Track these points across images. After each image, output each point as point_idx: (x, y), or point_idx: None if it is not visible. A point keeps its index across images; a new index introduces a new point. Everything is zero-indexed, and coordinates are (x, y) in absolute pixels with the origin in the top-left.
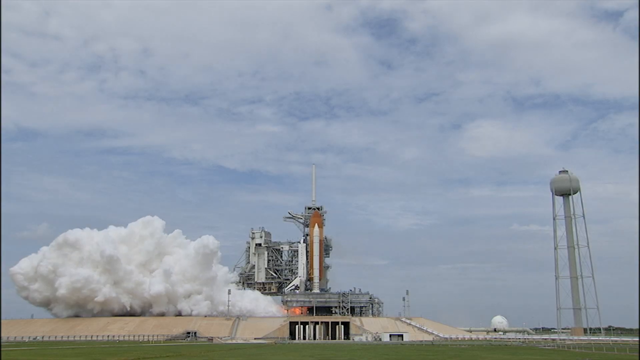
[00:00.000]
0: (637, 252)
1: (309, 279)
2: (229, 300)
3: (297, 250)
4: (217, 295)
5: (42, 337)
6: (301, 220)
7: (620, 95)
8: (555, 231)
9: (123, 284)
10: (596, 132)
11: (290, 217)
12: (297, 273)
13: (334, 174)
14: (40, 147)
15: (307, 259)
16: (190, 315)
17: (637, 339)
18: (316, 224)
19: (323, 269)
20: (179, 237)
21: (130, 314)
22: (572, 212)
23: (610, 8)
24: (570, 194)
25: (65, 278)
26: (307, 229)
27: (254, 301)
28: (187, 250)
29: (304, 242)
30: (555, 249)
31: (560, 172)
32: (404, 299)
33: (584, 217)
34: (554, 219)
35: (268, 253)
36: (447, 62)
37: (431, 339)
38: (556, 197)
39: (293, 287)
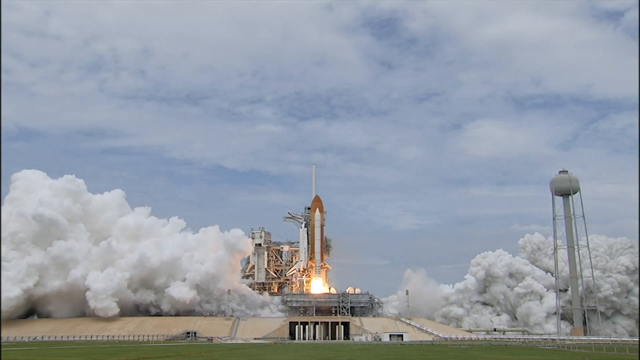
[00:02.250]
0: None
1: (310, 265)
2: (228, 300)
3: (297, 251)
4: (248, 297)
5: (42, 337)
6: (301, 220)
7: (621, 95)
8: (555, 231)
9: (153, 286)
10: (596, 132)
11: (290, 217)
12: (297, 274)
13: (334, 174)
14: (40, 147)
15: (308, 243)
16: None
17: (637, 339)
18: (317, 209)
19: (324, 252)
20: (205, 236)
21: (157, 314)
22: (572, 212)
23: (611, 8)
24: (570, 194)
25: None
26: (307, 229)
27: None
28: (215, 249)
29: (304, 227)
30: (555, 248)
31: (560, 172)
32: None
33: (583, 217)
34: (553, 219)
35: (268, 253)
36: (448, 62)
37: (431, 339)
38: (556, 197)
39: (295, 270)
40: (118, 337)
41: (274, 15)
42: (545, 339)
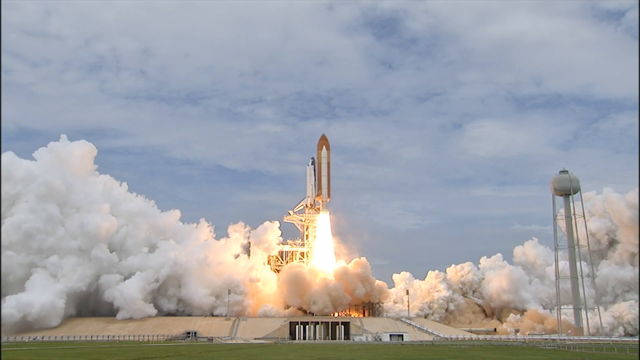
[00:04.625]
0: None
1: (317, 200)
2: (228, 300)
3: (298, 251)
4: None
5: (42, 337)
6: (301, 220)
7: (621, 95)
8: (555, 231)
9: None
10: (597, 132)
11: (290, 217)
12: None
13: (335, 174)
14: (40, 148)
15: (315, 179)
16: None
17: (637, 339)
18: (324, 146)
19: (330, 190)
20: (232, 237)
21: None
22: (572, 212)
23: (612, 8)
24: (570, 194)
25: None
26: (307, 231)
27: None
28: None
29: (312, 165)
30: (555, 249)
31: (560, 172)
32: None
33: (584, 217)
34: (554, 219)
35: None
36: (448, 62)
37: (431, 339)
38: (556, 197)
39: (302, 207)
40: (118, 337)
41: (274, 15)
42: (545, 339)
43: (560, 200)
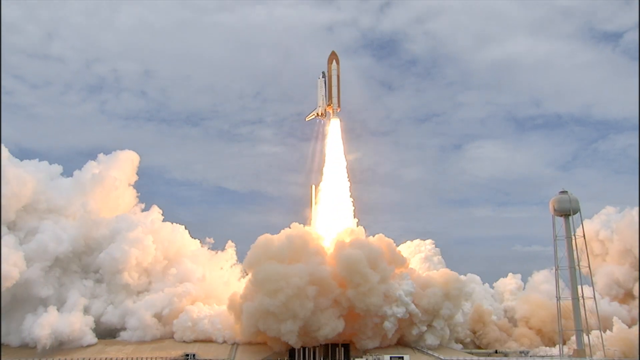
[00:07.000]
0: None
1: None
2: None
3: None
4: None
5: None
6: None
7: (620, 115)
8: (555, 252)
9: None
10: (596, 152)
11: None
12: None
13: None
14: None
15: (325, 90)
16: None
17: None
18: (334, 60)
19: (340, 101)
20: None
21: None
22: (572, 233)
23: (610, 30)
24: (570, 215)
25: None
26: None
27: None
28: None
29: (322, 78)
30: (556, 269)
31: (560, 192)
32: None
33: (584, 238)
34: (554, 239)
35: None
36: (448, 84)
37: None
38: (556, 217)
39: (314, 116)
40: (116, 359)
41: (275, 37)
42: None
43: (560, 220)
